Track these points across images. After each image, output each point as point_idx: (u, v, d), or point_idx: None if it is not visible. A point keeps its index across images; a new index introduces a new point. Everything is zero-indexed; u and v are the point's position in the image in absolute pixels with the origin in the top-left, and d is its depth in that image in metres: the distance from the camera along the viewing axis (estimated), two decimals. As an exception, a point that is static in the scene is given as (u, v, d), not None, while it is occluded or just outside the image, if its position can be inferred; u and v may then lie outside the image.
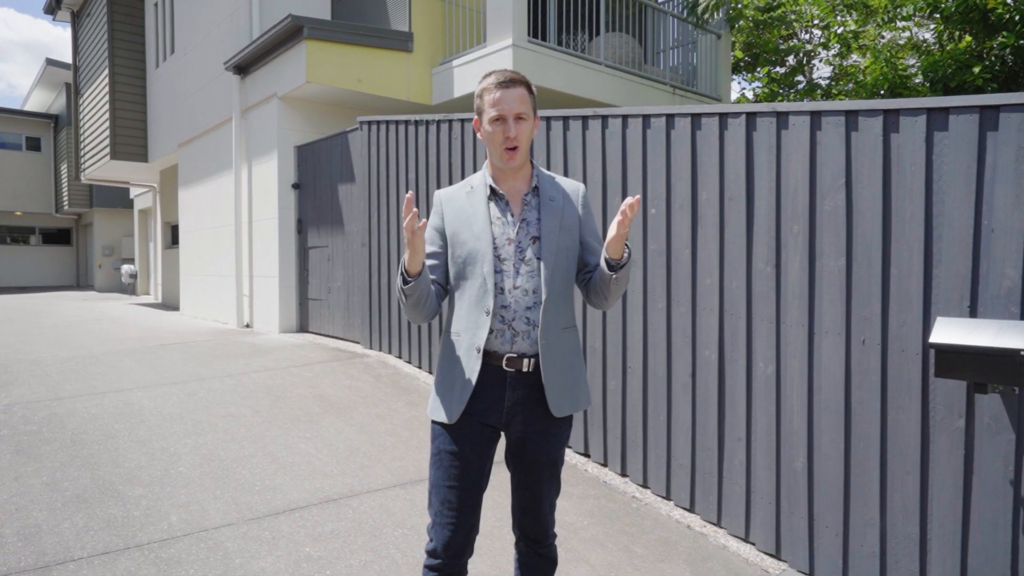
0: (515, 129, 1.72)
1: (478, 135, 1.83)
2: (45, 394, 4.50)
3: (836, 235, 2.67)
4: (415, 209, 1.59)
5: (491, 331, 1.75)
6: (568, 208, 1.83)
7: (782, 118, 2.86)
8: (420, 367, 5.38)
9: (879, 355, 2.55)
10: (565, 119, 3.87)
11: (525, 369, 1.75)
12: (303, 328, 7.27)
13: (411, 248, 1.61)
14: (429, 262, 1.83)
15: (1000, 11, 4.66)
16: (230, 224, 8.22)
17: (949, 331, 2.19)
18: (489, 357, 1.75)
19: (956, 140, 2.35)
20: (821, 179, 2.73)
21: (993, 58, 5.28)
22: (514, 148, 1.74)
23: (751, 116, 2.97)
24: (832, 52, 10.75)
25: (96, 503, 2.94)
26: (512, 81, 1.74)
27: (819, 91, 10.88)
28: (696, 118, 3.19)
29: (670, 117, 3.31)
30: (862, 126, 2.60)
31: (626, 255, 1.71)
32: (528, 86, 1.78)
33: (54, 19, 13.01)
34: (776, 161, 2.88)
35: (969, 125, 2.32)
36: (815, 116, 2.75)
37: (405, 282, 1.69)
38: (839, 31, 9.45)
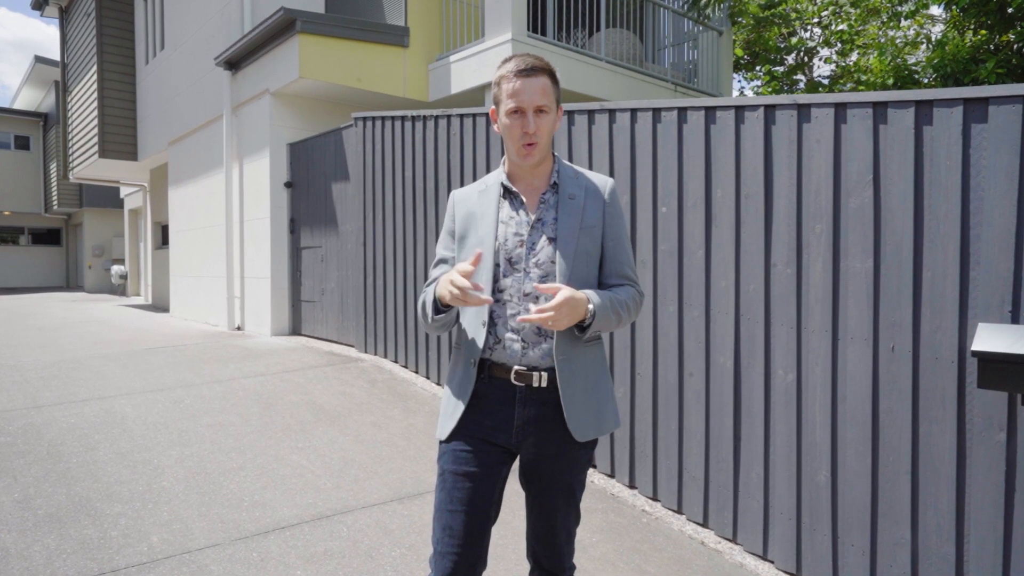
0: (534, 124, 1.54)
1: (494, 127, 1.66)
2: (23, 402, 4.28)
3: (863, 235, 2.51)
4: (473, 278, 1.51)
5: (498, 341, 1.58)
6: (591, 207, 1.64)
7: (803, 110, 2.69)
8: (417, 372, 5.19)
9: (910, 363, 2.39)
10: (570, 113, 3.70)
11: (536, 384, 1.57)
12: (296, 331, 7.07)
13: (454, 297, 1.46)
14: (441, 267, 1.71)
15: (1019, 1, 4.50)
16: (221, 224, 8.02)
17: (993, 338, 2.02)
18: (496, 370, 1.58)
19: (996, 132, 2.19)
20: (846, 175, 2.57)
21: (1010, 52, 5.13)
22: (532, 144, 1.56)
23: (770, 109, 2.81)
24: (834, 50, 10.62)
25: (71, 523, 2.74)
26: (534, 69, 1.55)
27: (821, 89, 10.76)
28: (711, 111, 3.02)
29: (682, 111, 3.14)
30: (891, 118, 2.44)
31: (589, 315, 1.52)
32: (552, 75, 1.59)
33: (42, 15, 12.76)
34: (797, 156, 2.71)
35: (1011, 116, 2.16)
36: (839, 108, 2.58)
37: (437, 311, 1.58)
38: (841, 28, 9.32)
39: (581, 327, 1.54)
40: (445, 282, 1.48)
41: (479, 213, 1.65)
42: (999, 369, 1.99)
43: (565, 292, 1.45)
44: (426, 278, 1.76)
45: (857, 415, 2.52)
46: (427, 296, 1.63)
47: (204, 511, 2.90)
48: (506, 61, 1.60)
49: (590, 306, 1.51)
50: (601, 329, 1.58)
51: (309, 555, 2.59)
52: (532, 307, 1.57)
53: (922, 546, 2.35)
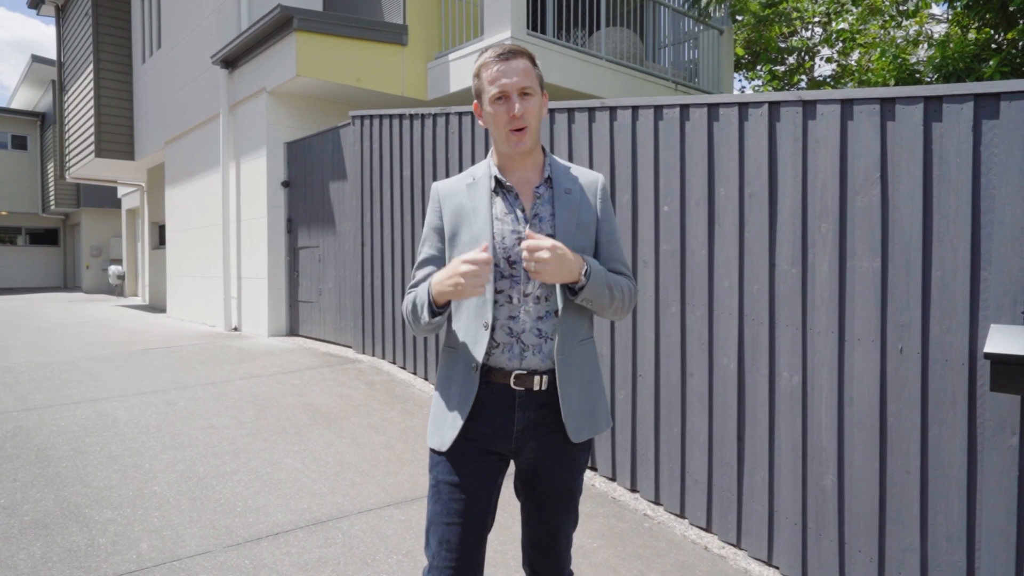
0: (521, 106, 1.48)
1: (479, 122, 1.60)
2: (13, 404, 4.21)
3: (870, 234, 2.45)
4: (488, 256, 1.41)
5: (496, 345, 1.51)
6: (585, 203, 1.59)
7: (809, 107, 2.63)
8: (416, 373, 5.13)
9: (919, 365, 2.33)
10: (570, 111, 3.64)
11: (536, 388, 1.51)
12: (293, 331, 7.01)
13: (457, 286, 1.41)
14: (428, 268, 1.61)
15: (1019, 0, 4.45)
16: (218, 224, 7.95)
17: (1007, 340, 1.96)
18: (494, 375, 1.52)
19: (1009, 129, 2.13)
20: (853, 173, 2.51)
21: (1014, 50, 5.07)
22: (521, 129, 1.50)
23: (774, 105, 2.75)
24: (835, 49, 10.57)
25: (58, 529, 2.67)
26: (513, 53, 1.50)
27: (824, 87, 10.69)
28: (713, 108, 2.96)
29: (684, 107, 3.08)
30: (899, 115, 2.38)
31: (583, 276, 1.46)
32: (531, 58, 1.53)
33: (38, 13, 12.68)
34: (802, 154, 2.65)
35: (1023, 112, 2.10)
36: (846, 104, 2.52)
37: (433, 314, 1.49)
38: (843, 27, 9.27)
39: (573, 290, 1.49)
40: (447, 275, 1.42)
41: (470, 208, 1.57)
42: (1013, 372, 1.93)
43: (556, 242, 1.43)
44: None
45: (864, 418, 2.46)
46: (419, 297, 1.54)
47: (196, 517, 2.84)
48: (483, 51, 1.55)
49: (584, 266, 1.47)
50: (594, 297, 1.50)
51: (303, 562, 2.53)
52: (532, 307, 1.51)
53: (931, 553, 2.29)
